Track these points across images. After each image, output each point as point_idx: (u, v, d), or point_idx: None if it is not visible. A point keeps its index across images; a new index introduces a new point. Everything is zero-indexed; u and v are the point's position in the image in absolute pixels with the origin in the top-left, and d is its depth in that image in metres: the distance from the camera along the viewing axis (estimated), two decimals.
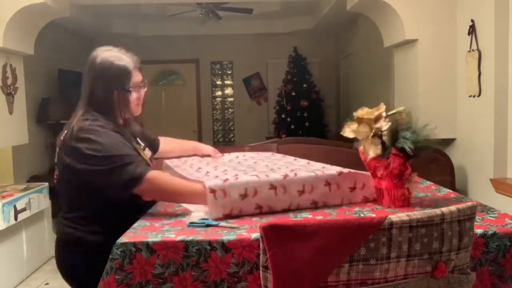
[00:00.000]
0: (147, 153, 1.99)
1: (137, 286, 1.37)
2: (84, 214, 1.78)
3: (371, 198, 1.81)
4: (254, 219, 1.61)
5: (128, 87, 1.83)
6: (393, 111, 1.76)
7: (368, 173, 1.80)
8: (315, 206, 1.74)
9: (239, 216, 1.62)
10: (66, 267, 1.83)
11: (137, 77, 1.86)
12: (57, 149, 1.82)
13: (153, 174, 1.70)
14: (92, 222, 1.77)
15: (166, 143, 2.32)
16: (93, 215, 1.78)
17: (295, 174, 1.74)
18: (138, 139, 1.99)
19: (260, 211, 1.65)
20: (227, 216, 1.60)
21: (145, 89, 1.93)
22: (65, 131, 1.80)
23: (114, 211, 1.76)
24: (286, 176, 1.71)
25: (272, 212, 1.67)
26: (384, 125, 1.71)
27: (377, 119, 1.74)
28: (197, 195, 1.64)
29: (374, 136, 1.72)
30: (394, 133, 1.70)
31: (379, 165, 1.74)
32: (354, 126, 1.78)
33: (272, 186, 1.67)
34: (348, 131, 1.79)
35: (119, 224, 1.58)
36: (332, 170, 1.81)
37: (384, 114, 1.74)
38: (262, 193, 1.65)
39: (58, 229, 1.85)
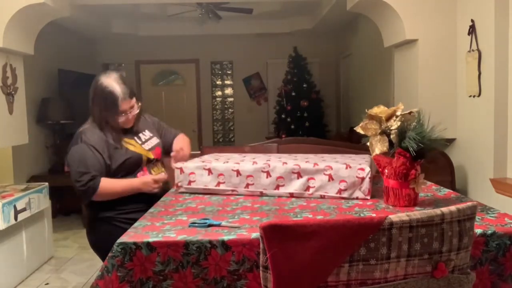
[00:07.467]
0: (146, 145, 2.37)
1: (138, 282, 1.37)
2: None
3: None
4: (255, 218, 1.62)
5: (117, 113, 2.24)
6: (405, 112, 1.77)
7: None
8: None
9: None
10: (91, 240, 2.35)
11: (125, 105, 2.24)
12: None
13: (100, 188, 2.16)
14: (95, 204, 2.24)
15: (176, 141, 2.59)
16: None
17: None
18: (142, 133, 2.40)
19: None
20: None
21: (137, 111, 2.31)
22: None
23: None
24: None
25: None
26: (394, 124, 1.72)
27: (389, 117, 1.75)
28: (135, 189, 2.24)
29: (382, 133, 1.73)
30: (402, 132, 1.71)
31: (387, 164, 1.75)
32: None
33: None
34: (360, 127, 1.80)
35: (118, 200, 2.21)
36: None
37: (398, 113, 1.75)
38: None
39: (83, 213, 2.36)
